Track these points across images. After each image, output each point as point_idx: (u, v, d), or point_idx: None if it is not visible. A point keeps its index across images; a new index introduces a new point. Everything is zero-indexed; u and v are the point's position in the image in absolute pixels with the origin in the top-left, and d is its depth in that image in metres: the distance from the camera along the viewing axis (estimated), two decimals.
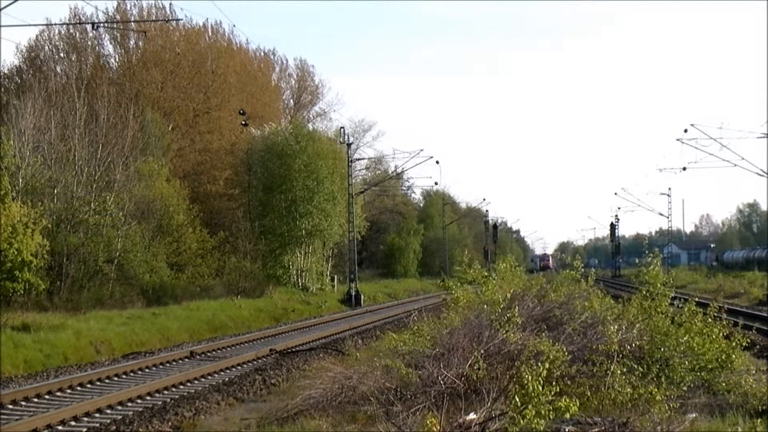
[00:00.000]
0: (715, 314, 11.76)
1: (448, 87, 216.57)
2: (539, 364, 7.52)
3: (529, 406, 7.17)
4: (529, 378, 7.37)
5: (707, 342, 11.05)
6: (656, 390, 9.24)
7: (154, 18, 42.53)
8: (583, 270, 16.17)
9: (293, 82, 60.43)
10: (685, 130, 39.78)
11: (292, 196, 41.86)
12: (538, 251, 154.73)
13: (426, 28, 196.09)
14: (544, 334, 11.17)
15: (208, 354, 19.18)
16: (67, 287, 27.08)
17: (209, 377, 15.44)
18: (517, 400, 7.35)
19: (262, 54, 55.66)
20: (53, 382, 14.12)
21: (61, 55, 43.64)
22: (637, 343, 11.23)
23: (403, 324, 21.08)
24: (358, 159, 57.94)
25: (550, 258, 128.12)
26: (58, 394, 13.57)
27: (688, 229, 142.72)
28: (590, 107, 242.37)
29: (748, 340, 11.82)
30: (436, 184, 64.91)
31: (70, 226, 28.44)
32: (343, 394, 10.46)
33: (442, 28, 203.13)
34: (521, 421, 7.13)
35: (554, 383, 7.70)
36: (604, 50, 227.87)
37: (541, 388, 7.29)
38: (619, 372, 9.82)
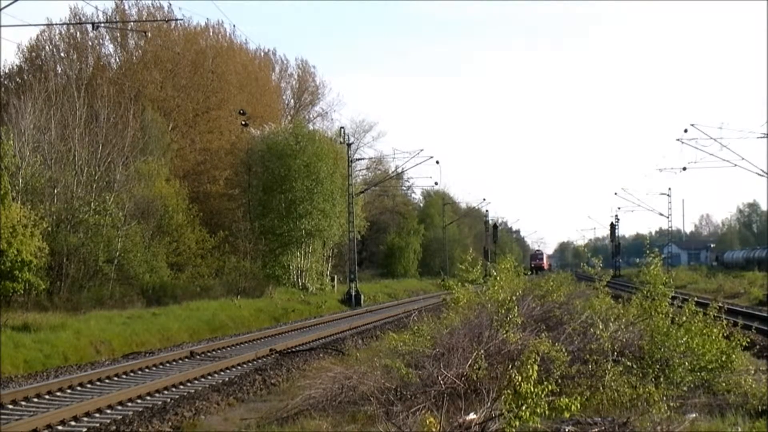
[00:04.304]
0: (715, 314, 11.75)
1: (448, 87, 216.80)
2: (528, 366, 7.50)
3: (524, 407, 7.15)
4: (519, 379, 7.36)
5: (707, 342, 11.04)
6: (655, 390, 9.24)
7: (153, 18, 42.56)
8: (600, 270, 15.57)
9: (294, 82, 60.54)
10: (685, 130, 39.84)
11: (292, 196, 41.85)
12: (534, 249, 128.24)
13: (426, 28, 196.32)
14: (544, 334, 11.16)
15: (208, 354, 19.17)
16: (67, 287, 27.08)
17: (209, 377, 15.44)
18: (511, 402, 7.34)
19: (263, 54, 55.75)
20: (53, 382, 14.11)
21: (62, 55, 43.70)
22: (637, 343, 11.23)
23: (403, 324, 21.08)
24: (359, 159, 57.99)
25: (545, 256, 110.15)
26: (58, 394, 13.56)
27: (688, 229, 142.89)
28: (591, 107, 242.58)
29: (748, 340, 11.81)
30: (436, 184, 64.91)
31: (70, 226, 28.44)
32: (343, 394, 10.46)
33: (441, 28, 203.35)
34: (516, 422, 7.12)
35: (547, 383, 7.67)
36: (605, 50, 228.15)
37: (533, 388, 7.28)
38: (614, 371, 9.82)
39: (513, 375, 7.57)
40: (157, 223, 33.44)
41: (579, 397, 7.72)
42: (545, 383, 7.46)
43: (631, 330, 11.59)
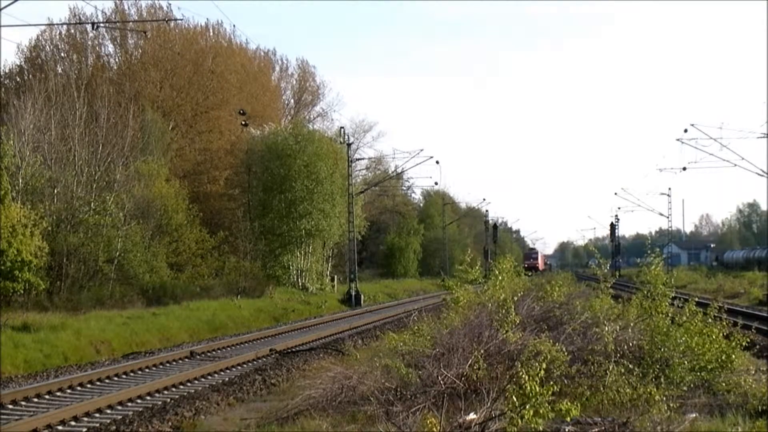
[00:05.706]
0: (715, 314, 11.75)
1: (448, 87, 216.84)
2: (536, 364, 7.50)
3: (527, 406, 7.14)
4: (527, 378, 7.35)
5: (707, 342, 11.04)
6: (655, 390, 9.23)
7: (152, 18, 42.52)
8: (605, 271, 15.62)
9: (294, 82, 60.57)
10: (685, 130, 39.88)
11: (292, 196, 41.84)
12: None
13: (426, 28, 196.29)
14: (544, 334, 11.17)
15: (208, 354, 19.16)
16: (67, 287, 27.06)
17: (209, 377, 15.43)
18: (515, 400, 7.32)
19: (262, 54, 55.76)
20: (53, 382, 14.11)
21: (62, 55, 43.70)
22: (637, 343, 11.23)
23: (403, 324, 21.06)
24: (359, 159, 57.98)
25: (540, 255, 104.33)
26: (58, 394, 13.56)
27: (688, 229, 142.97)
28: (590, 107, 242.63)
29: (748, 340, 11.81)
30: (436, 184, 64.90)
31: (70, 226, 28.43)
32: (343, 394, 10.46)
33: (441, 28, 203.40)
34: (519, 422, 7.11)
35: (553, 383, 7.67)
36: (604, 50, 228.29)
37: (539, 388, 7.27)
38: (615, 372, 9.82)
39: (521, 373, 7.55)
40: (157, 223, 33.42)
41: (578, 398, 7.73)
42: (549, 385, 7.45)
43: (632, 330, 11.59)
